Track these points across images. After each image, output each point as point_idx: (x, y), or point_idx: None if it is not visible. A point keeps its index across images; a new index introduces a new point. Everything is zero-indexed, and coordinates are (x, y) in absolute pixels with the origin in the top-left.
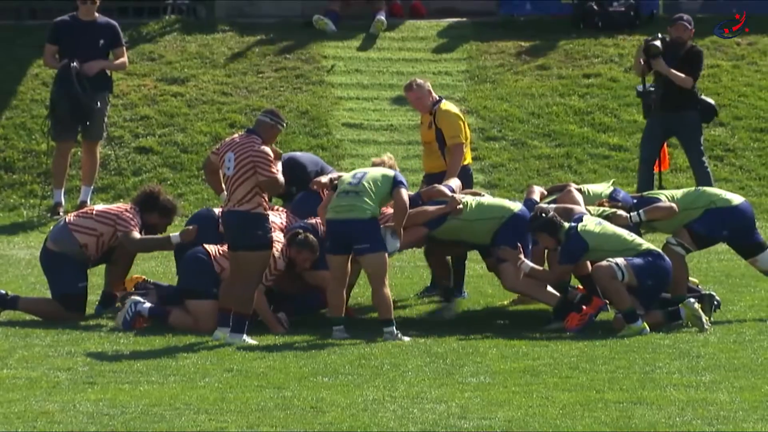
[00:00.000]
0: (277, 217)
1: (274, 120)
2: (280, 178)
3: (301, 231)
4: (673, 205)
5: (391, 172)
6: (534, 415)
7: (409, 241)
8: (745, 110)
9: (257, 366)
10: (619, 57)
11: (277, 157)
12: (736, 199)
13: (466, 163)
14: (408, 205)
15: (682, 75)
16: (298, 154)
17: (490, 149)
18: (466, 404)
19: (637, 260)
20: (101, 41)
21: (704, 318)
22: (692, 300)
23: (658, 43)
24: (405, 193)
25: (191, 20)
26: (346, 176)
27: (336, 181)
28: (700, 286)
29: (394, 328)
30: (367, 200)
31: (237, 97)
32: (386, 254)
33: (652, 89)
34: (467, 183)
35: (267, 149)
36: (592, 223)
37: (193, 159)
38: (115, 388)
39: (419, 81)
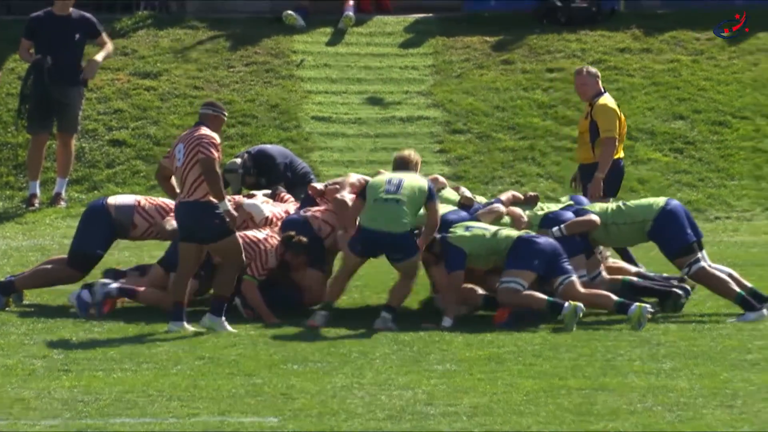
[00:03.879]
0: (277, 208)
1: (216, 111)
2: (217, 165)
3: (293, 234)
4: (594, 217)
5: (425, 184)
6: (498, 401)
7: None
8: (705, 104)
9: (228, 354)
10: (582, 52)
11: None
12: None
13: (617, 157)
14: (439, 222)
15: None
16: (267, 146)
17: (455, 142)
18: (432, 391)
19: (513, 259)
20: (77, 35)
21: (644, 324)
22: (649, 308)
23: None
24: (438, 208)
25: (163, 16)
26: (380, 182)
27: (330, 186)
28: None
29: (392, 318)
30: (407, 210)
31: (208, 91)
32: (419, 257)
33: None
34: (617, 177)
35: (213, 134)
36: (460, 229)
37: (165, 152)
38: (90, 376)
39: (592, 69)
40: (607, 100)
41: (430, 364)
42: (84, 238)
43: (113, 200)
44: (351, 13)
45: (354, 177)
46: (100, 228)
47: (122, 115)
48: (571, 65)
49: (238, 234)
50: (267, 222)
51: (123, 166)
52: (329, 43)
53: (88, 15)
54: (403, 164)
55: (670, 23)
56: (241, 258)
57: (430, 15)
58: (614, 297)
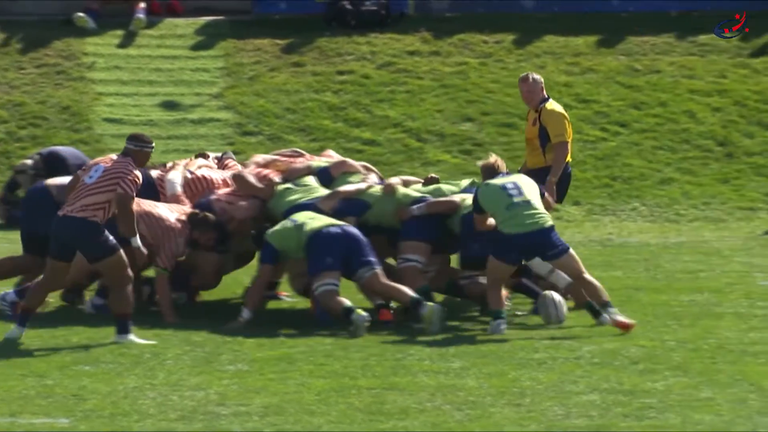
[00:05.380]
0: (215, 174)
1: (139, 145)
2: (132, 204)
3: (198, 211)
4: (455, 198)
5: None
6: (290, 401)
7: None
8: (493, 106)
9: (19, 355)
10: (372, 54)
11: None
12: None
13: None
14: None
15: None
16: (59, 148)
17: (247, 144)
18: (224, 391)
19: (309, 259)
20: None
21: (437, 326)
22: (439, 307)
23: None
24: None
25: None
26: (499, 189)
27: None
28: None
29: (611, 309)
30: (539, 207)
31: None
32: (572, 251)
33: None
34: (565, 180)
35: (138, 173)
36: (279, 226)
37: None
38: None
39: (536, 76)
40: (554, 105)
41: (221, 364)
42: (35, 222)
43: (52, 181)
44: (142, 16)
45: (259, 156)
46: (49, 209)
47: None
48: (361, 68)
49: (151, 206)
50: (176, 199)
51: None
52: (120, 45)
53: None
54: (494, 172)
55: (459, 26)
56: (128, 273)
57: (221, 17)
58: (411, 293)
